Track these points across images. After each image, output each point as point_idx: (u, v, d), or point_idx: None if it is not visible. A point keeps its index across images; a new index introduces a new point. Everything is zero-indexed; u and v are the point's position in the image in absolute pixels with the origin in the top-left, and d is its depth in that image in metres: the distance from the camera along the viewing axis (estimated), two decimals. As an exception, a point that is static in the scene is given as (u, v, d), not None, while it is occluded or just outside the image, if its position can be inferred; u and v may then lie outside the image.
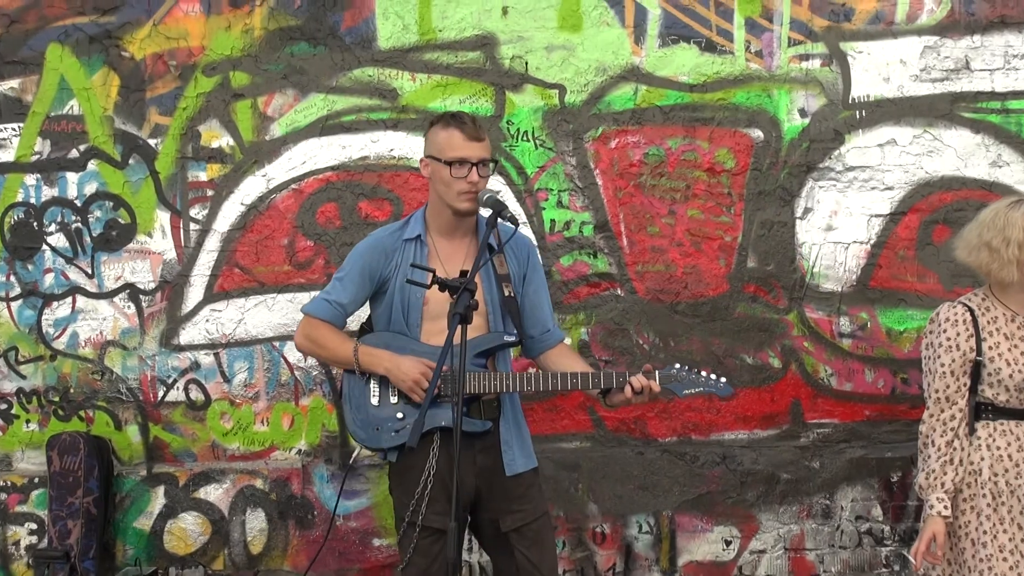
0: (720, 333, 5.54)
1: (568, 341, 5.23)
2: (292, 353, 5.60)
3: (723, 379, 3.93)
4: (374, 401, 3.98)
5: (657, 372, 3.90)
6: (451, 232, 4.03)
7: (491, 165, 3.97)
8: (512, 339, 3.97)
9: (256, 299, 5.62)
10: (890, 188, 5.50)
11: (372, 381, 3.99)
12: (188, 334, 5.64)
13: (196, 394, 5.68)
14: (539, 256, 4.22)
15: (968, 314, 4.22)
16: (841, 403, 5.52)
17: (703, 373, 3.91)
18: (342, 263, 4.10)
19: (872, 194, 5.50)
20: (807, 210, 5.52)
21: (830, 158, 5.48)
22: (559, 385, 3.90)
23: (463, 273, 3.61)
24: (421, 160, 4.03)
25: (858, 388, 5.52)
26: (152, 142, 5.61)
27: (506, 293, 3.98)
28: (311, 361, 5.59)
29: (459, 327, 3.47)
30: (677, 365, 3.91)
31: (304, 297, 5.51)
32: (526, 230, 5.40)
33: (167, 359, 5.63)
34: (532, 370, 4.13)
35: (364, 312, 4.23)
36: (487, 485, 4.00)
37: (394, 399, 3.97)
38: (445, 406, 3.89)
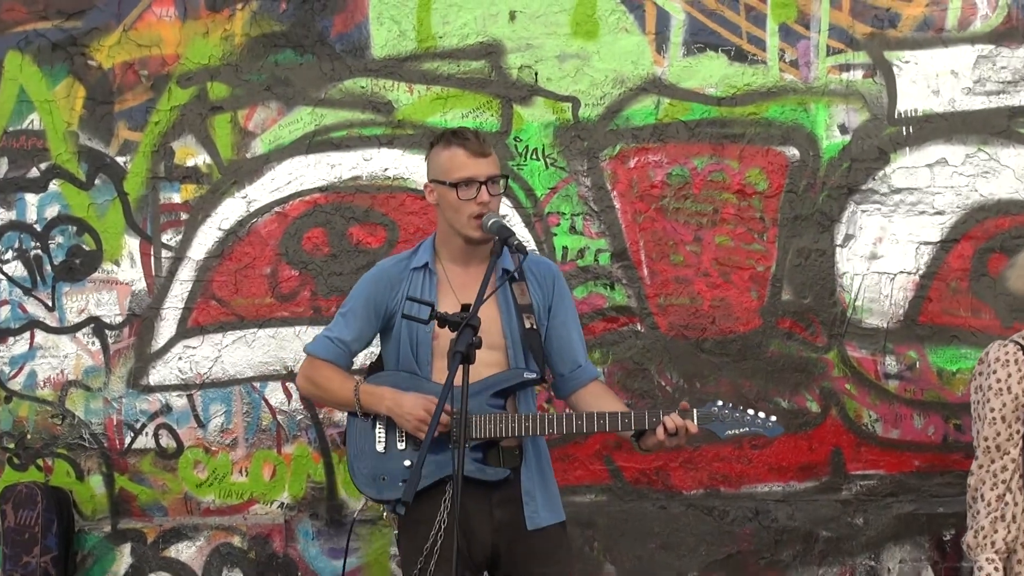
0: (751, 374, 5.43)
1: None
2: (274, 395, 5.58)
3: (772, 417, 3.82)
4: (380, 448, 3.90)
5: (695, 411, 3.78)
6: (465, 259, 3.94)
7: (502, 182, 3.90)
8: (533, 376, 3.87)
9: (235, 335, 5.59)
10: (941, 213, 5.37)
11: (378, 425, 3.92)
12: (159, 373, 5.63)
13: (167, 440, 5.63)
14: (566, 283, 4.11)
15: (1021, 353, 4.12)
16: (887, 452, 5.41)
17: (748, 411, 3.81)
18: (345, 296, 4.10)
19: (921, 219, 5.37)
20: (848, 237, 5.41)
21: (874, 179, 5.38)
22: (583, 427, 3.82)
23: (465, 307, 3.58)
24: (425, 186, 3.97)
25: (906, 435, 5.40)
26: (120, 160, 5.63)
27: (527, 325, 3.88)
28: (295, 404, 5.57)
29: (460, 368, 3.39)
30: (720, 402, 3.81)
31: (288, 332, 5.56)
32: (536, 259, 5.32)
33: (135, 401, 5.62)
34: (562, 410, 4.12)
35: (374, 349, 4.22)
36: (506, 542, 3.88)
37: (401, 445, 3.89)
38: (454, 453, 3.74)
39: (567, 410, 4.05)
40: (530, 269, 3.96)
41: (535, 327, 3.92)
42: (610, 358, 5.48)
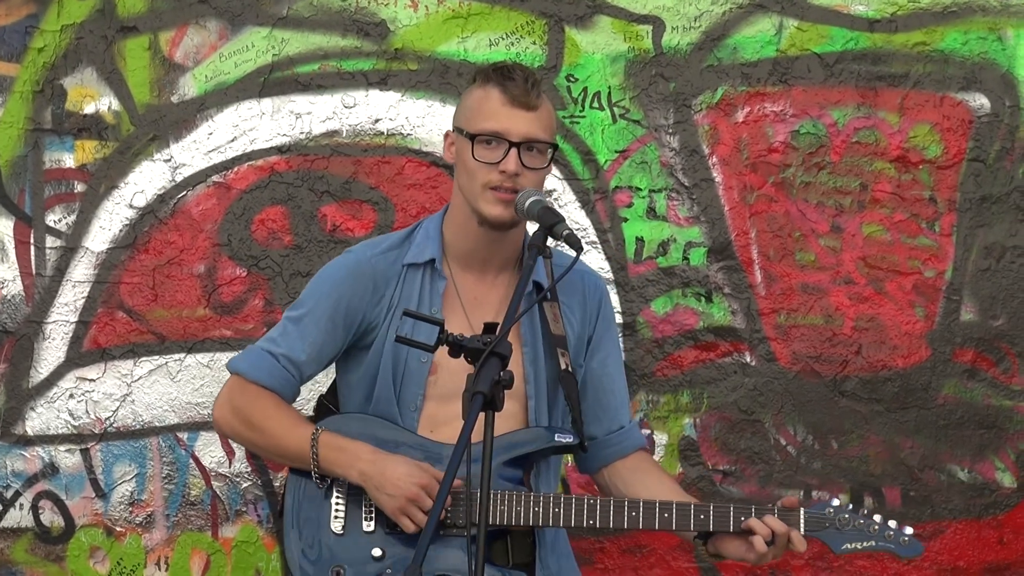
0: (915, 429, 4.78)
1: (664, 440, 4.84)
2: (209, 451, 4.98)
3: (908, 530, 3.48)
4: (336, 527, 3.49)
5: (802, 511, 3.49)
6: (483, 260, 3.58)
7: (549, 151, 3.50)
8: (568, 440, 3.57)
9: (152, 362, 5.02)
10: None
11: (336, 494, 3.50)
12: (40, 418, 5.04)
13: (51, 516, 5.05)
14: (613, 306, 3.82)
15: None
16: (1113, 546, 4.81)
17: (875, 519, 3.47)
18: (298, 296, 3.75)
19: None
20: (1060, 228, 4.86)
21: (1100, 142, 4.78)
22: (637, 520, 3.47)
23: (489, 327, 3.08)
24: (446, 135, 3.70)
25: None
26: (-13, 105, 5.14)
27: (561, 366, 3.53)
28: (239, 465, 4.95)
29: (483, 416, 2.89)
30: (835, 502, 3.48)
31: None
32: (596, 257, 4.84)
33: (5, 459, 5.06)
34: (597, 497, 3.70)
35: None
36: None
37: (369, 526, 3.48)
38: (454, 543, 3.43)
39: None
40: (568, 282, 3.60)
41: (570, 369, 3.54)
42: (705, 404, 4.90)
